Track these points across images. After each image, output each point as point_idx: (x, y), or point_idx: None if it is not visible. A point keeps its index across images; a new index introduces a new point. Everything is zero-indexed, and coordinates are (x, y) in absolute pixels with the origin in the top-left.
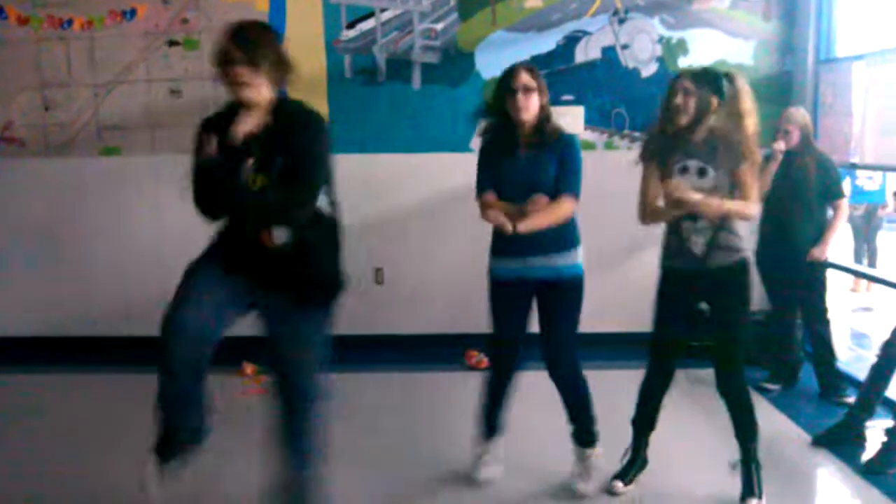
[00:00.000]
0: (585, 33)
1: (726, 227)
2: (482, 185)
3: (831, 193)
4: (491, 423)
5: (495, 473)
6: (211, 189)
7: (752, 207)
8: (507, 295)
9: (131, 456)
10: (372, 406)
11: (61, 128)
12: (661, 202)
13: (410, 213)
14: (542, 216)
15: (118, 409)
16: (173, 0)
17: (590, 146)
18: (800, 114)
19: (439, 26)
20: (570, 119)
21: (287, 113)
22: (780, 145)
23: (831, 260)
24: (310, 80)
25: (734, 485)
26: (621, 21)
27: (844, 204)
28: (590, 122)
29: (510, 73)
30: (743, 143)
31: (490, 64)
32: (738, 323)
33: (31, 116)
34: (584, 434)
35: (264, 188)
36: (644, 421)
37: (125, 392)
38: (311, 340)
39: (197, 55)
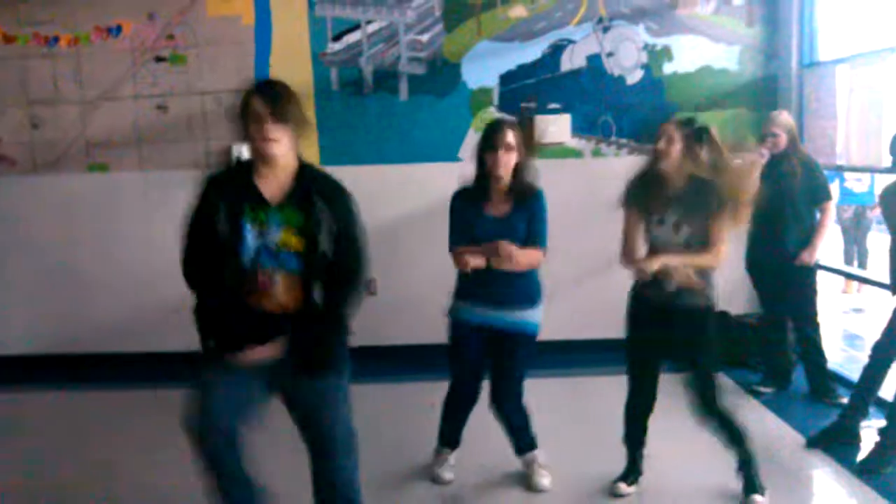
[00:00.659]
0: (570, 42)
1: (700, 271)
2: (454, 241)
3: (818, 196)
4: (451, 437)
5: (450, 477)
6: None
7: (718, 258)
8: (465, 338)
9: (130, 472)
10: (369, 417)
11: (49, 145)
12: (641, 250)
13: (401, 223)
14: (516, 256)
15: (109, 425)
16: (159, 16)
17: (577, 154)
18: (784, 117)
19: (425, 38)
20: (557, 127)
21: (315, 178)
22: (764, 151)
23: (821, 262)
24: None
25: (735, 481)
26: (606, 29)
27: (832, 206)
28: (576, 130)
29: (495, 130)
30: (721, 191)
31: (476, 74)
32: (705, 362)
33: (19, 134)
34: (525, 446)
35: (308, 251)
36: (634, 439)
37: (117, 407)
38: (341, 407)
39: (183, 71)
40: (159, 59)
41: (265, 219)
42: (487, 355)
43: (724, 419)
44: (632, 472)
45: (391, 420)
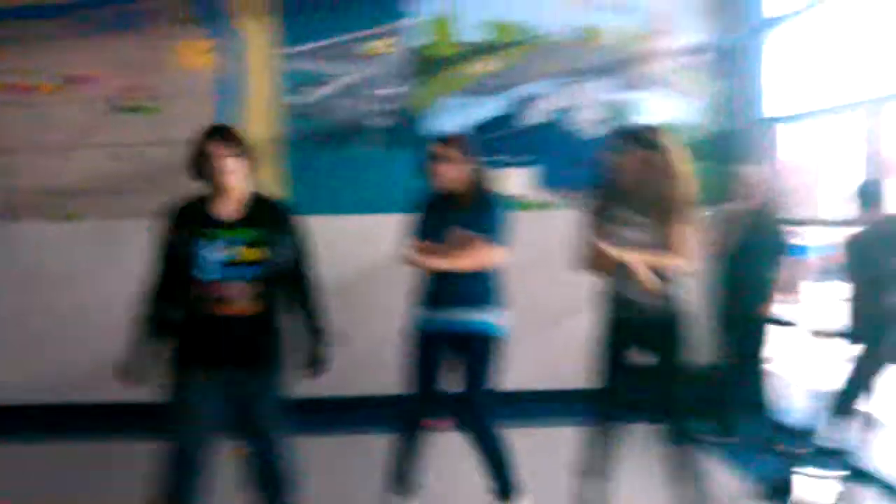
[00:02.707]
0: (536, 96)
1: (665, 277)
2: (408, 237)
3: (781, 250)
4: (403, 481)
5: None
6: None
7: (686, 262)
8: (424, 347)
9: None
10: (329, 470)
11: (7, 193)
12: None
13: (369, 273)
14: (461, 257)
15: (53, 481)
16: (131, 67)
17: (542, 207)
18: (757, 172)
19: (393, 92)
20: (522, 181)
21: (267, 202)
22: (740, 205)
23: (777, 315)
24: (265, 143)
25: None
26: (570, 84)
27: (791, 260)
28: (541, 184)
29: (432, 145)
30: (675, 199)
31: (444, 127)
32: (678, 371)
33: None
34: (504, 486)
35: (262, 262)
36: (593, 470)
37: (68, 462)
38: (280, 409)
39: (154, 121)
40: (130, 110)
41: (222, 238)
42: (445, 367)
43: (688, 446)
44: None
45: (358, 472)
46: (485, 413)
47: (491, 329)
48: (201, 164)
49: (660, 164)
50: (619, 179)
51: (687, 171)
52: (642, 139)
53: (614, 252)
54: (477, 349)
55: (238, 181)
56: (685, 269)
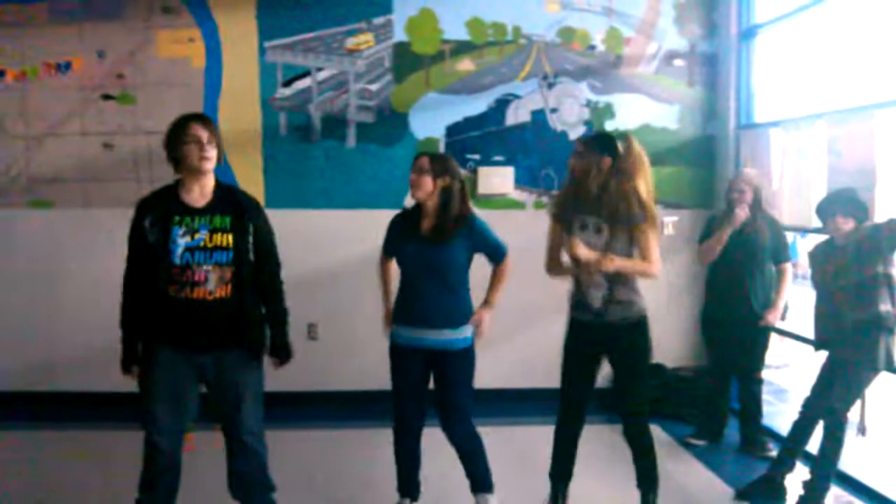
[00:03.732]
0: (516, 97)
1: (623, 282)
2: (385, 250)
3: (780, 256)
4: (406, 483)
5: None
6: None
7: (651, 267)
8: (403, 360)
9: None
10: (305, 463)
11: None
12: (564, 257)
13: (344, 269)
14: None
15: (38, 466)
16: (109, 55)
17: (519, 205)
18: (752, 174)
19: (374, 87)
20: (501, 179)
21: (233, 191)
22: (744, 209)
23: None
24: (245, 136)
25: None
26: (550, 85)
27: (790, 267)
28: (520, 182)
29: (415, 157)
30: (635, 203)
31: (423, 124)
32: (637, 374)
33: None
34: (481, 483)
35: (230, 248)
36: (560, 471)
37: (59, 448)
38: (259, 393)
39: (131, 110)
40: (108, 98)
41: (193, 223)
42: (428, 380)
43: (648, 444)
44: None
45: (330, 467)
46: (469, 419)
47: (468, 342)
48: (181, 147)
49: (622, 171)
50: (581, 184)
51: (648, 177)
52: (605, 145)
53: (576, 248)
54: (457, 361)
55: (212, 168)
56: (650, 275)
